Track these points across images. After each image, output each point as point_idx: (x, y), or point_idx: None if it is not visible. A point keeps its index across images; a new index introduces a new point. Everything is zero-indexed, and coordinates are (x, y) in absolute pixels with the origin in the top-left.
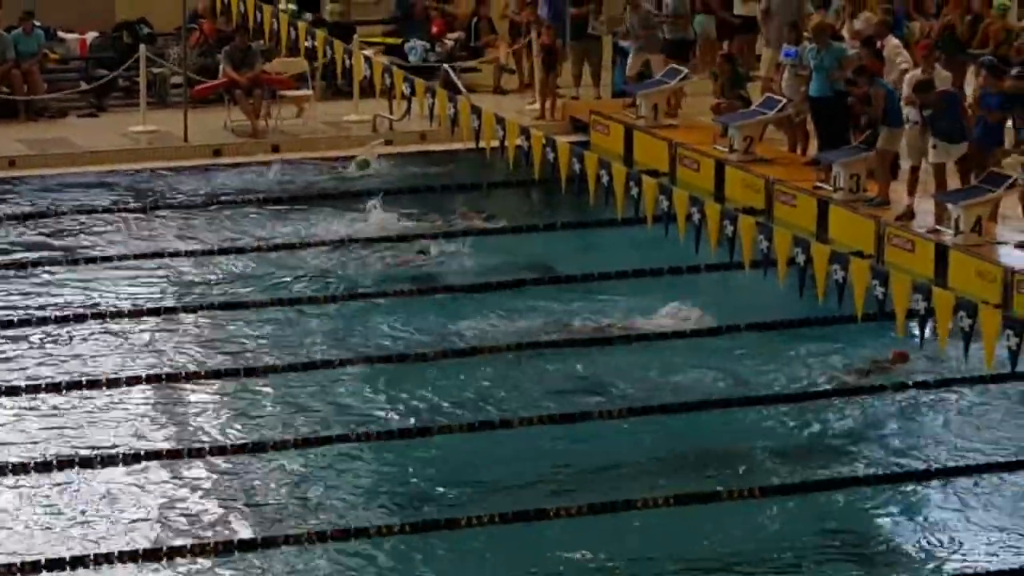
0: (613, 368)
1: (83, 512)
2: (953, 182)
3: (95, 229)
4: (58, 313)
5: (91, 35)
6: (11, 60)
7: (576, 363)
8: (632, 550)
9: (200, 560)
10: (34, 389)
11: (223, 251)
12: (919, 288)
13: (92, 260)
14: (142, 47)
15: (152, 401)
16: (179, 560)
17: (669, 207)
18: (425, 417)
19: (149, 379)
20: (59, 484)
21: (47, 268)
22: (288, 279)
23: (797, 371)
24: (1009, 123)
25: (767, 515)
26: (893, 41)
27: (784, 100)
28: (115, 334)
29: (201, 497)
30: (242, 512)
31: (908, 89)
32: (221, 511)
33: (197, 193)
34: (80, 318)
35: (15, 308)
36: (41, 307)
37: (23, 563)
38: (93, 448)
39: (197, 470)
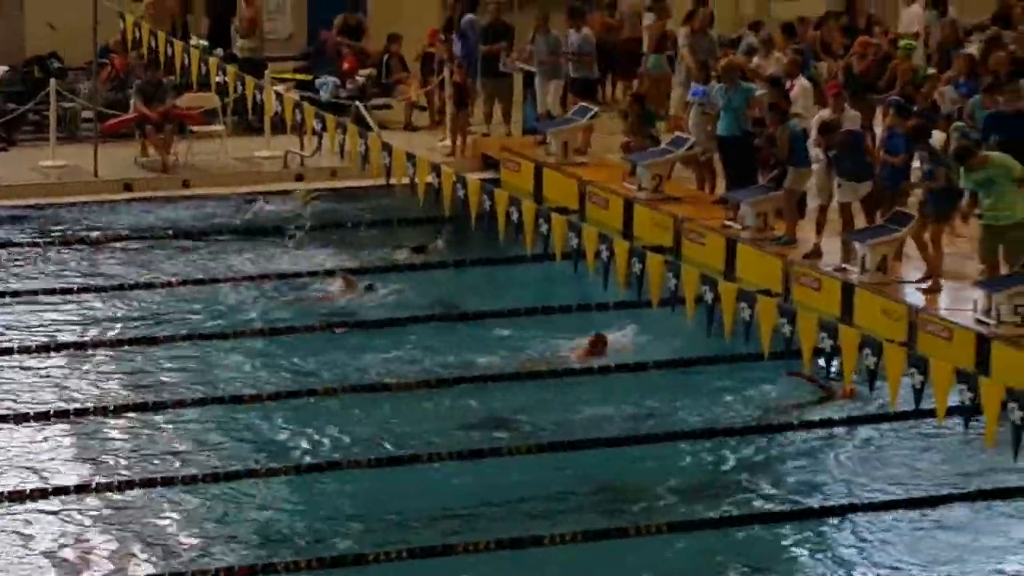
0: (522, 404)
1: None
2: (860, 221)
3: (3, 263)
4: None
5: (1, 69)
6: None
7: (484, 399)
8: None
9: None
10: None
11: (134, 286)
12: (825, 326)
13: (0, 295)
14: (52, 81)
15: (59, 436)
16: None
17: (578, 244)
18: (333, 452)
19: (57, 414)
20: None
21: None
22: (199, 315)
23: (704, 408)
24: (916, 163)
25: (673, 550)
26: (803, 82)
27: (692, 139)
28: (24, 369)
29: (102, 532)
30: (147, 547)
31: (815, 130)
32: (119, 546)
33: (108, 227)
34: None
35: None
36: None
37: None
38: None
39: (105, 506)
